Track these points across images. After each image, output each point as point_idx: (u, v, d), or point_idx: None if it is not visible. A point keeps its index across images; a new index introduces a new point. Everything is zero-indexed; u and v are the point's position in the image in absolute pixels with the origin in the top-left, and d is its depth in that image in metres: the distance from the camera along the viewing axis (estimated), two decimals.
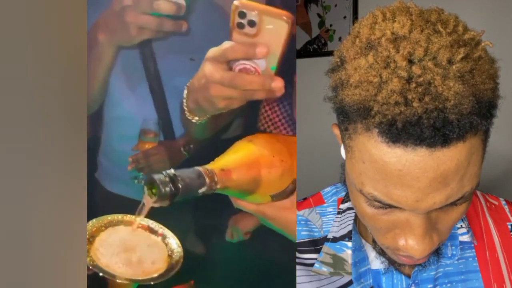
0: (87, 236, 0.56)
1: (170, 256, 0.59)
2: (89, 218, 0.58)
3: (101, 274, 0.53)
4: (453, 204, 0.46)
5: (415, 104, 0.40)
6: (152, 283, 0.54)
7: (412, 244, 0.48)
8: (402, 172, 0.43)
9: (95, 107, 0.97)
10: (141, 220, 0.59)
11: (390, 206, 0.47)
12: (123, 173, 0.98)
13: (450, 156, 0.42)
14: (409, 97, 0.41)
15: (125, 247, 0.58)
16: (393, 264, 0.59)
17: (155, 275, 0.55)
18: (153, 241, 0.60)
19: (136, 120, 0.96)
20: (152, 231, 0.61)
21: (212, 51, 0.62)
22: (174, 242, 0.61)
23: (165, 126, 0.96)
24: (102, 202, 1.04)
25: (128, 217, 0.60)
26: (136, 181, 0.98)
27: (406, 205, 0.45)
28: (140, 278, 0.54)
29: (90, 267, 0.54)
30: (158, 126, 0.96)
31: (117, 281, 0.53)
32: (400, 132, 0.41)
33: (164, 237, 0.61)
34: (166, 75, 0.92)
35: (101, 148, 1.05)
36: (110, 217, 0.60)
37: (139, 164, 0.95)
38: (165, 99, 0.94)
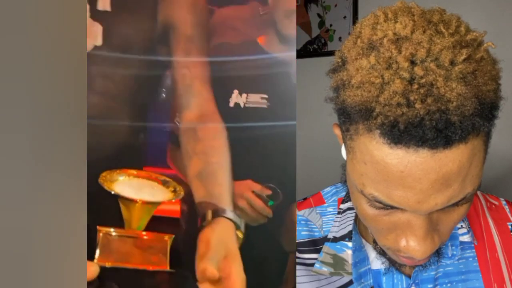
0: (110, 181, 0.79)
1: (173, 192, 0.81)
2: None
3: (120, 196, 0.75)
4: (455, 205, 0.46)
5: (417, 106, 0.40)
6: (160, 201, 0.78)
7: (413, 245, 0.48)
8: (403, 174, 0.43)
9: None
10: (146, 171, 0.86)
11: (391, 207, 0.47)
12: None
13: (452, 158, 0.42)
14: (411, 98, 0.41)
15: (135, 190, 0.79)
16: (394, 265, 0.59)
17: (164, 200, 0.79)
18: (155, 185, 0.83)
19: None
20: (150, 178, 0.83)
21: None
22: (173, 185, 0.82)
23: None
24: None
25: (135, 171, 0.83)
26: None
27: (407, 207, 0.45)
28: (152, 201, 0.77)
29: (112, 192, 0.75)
30: None
31: (137, 201, 0.76)
32: (402, 133, 0.41)
33: (164, 181, 0.83)
34: None
35: None
36: (119, 171, 0.82)
37: None
38: None
